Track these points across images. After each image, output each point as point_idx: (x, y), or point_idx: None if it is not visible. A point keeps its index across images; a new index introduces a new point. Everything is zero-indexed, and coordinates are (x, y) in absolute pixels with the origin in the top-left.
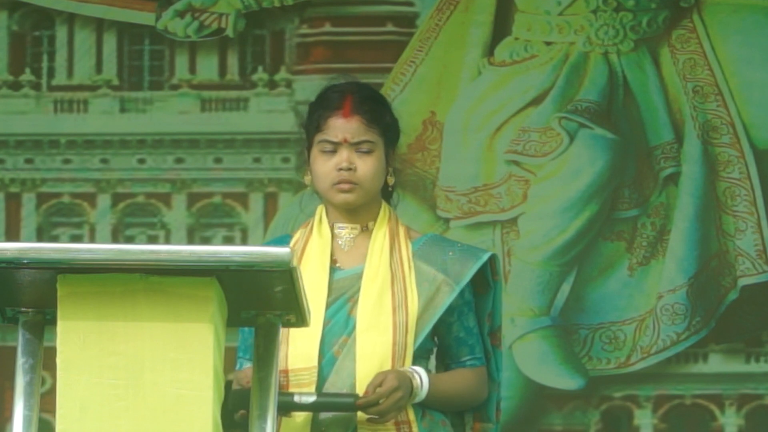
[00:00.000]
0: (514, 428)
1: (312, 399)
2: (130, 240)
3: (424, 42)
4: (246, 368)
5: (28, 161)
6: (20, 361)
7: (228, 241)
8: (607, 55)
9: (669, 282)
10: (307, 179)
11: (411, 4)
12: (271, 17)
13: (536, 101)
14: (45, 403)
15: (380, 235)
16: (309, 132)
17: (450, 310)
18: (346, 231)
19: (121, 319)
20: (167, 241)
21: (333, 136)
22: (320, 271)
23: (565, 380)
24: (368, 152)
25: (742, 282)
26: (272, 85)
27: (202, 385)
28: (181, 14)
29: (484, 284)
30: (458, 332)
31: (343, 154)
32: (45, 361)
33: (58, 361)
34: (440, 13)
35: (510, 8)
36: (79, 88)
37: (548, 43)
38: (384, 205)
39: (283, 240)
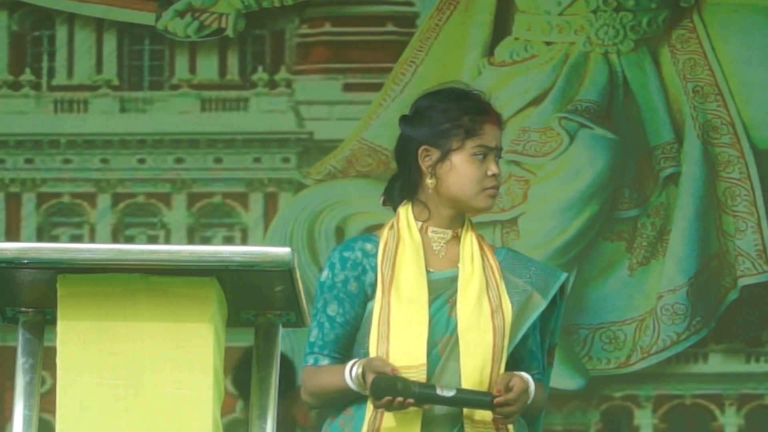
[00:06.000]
0: None
1: (452, 393)
2: (130, 240)
3: (424, 42)
4: (372, 359)
5: (28, 161)
6: (20, 361)
7: (228, 241)
8: (607, 55)
9: (669, 282)
10: (430, 182)
11: (411, 4)
12: (271, 17)
13: (536, 101)
14: (45, 403)
15: (468, 241)
16: (450, 136)
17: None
18: (440, 236)
19: (121, 319)
20: (167, 241)
21: (489, 142)
22: (418, 272)
23: (565, 380)
24: (499, 159)
25: (742, 282)
26: (272, 85)
27: (202, 385)
28: (181, 14)
29: (552, 302)
30: (531, 345)
31: (493, 161)
32: (45, 361)
33: (58, 361)
34: (440, 13)
35: (510, 8)
36: (79, 88)
37: (548, 43)
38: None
39: (369, 238)
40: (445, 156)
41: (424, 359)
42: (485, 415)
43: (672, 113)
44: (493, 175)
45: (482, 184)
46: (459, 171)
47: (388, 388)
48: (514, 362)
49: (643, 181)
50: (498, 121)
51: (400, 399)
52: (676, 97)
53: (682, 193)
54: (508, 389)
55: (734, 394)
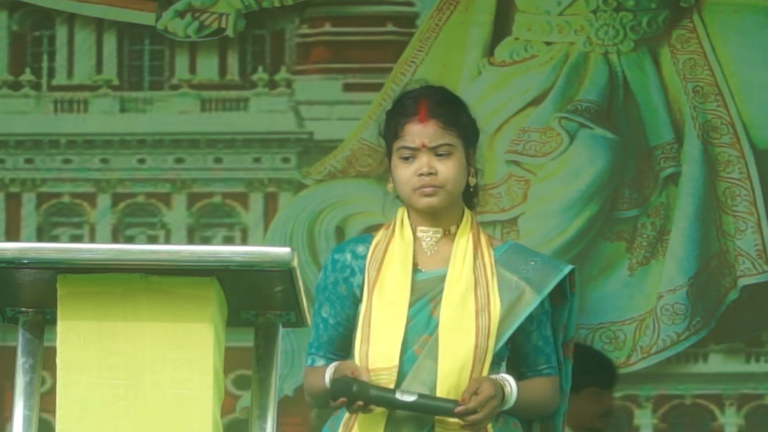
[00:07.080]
0: None
1: (413, 398)
2: (130, 240)
3: (424, 42)
4: (343, 362)
5: (28, 161)
6: (20, 361)
7: (228, 241)
8: (607, 55)
9: (669, 282)
10: (389, 186)
11: (411, 4)
12: (271, 17)
13: (536, 101)
14: (45, 403)
15: (463, 240)
16: (387, 140)
17: (530, 319)
18: (428, 235)
19: (121, 319)
20: (167, 241)
21: (411, 142)
22: (402, 272)
23: None
24: (447, 155)
25: (742, 282)
26: (272, 85)
27: (202, 385)
28: (181, 14)
29: (562, 296)
30: (537, 341)
31: (423, 159)
32: (45, 361)
33: (58, 361)
34: (440, 13)
35: (510, 8)
36: (79, 88)
37: (548, 43)
38: (466, 210)
39: (364, 239)
40: (389, 160)
41: (396, 361)
42: None
43: (672, 113)
44: (424, 174)
45: (410, 184)
46: (393, 175)
47: (343, 390)
48: (520, 358)
49: (643, 181)
50: (429, 118)
51: (360, 402)
52: (676, 97)
53: (682, 193)
54: (475, 396)
55: (734, 394)
